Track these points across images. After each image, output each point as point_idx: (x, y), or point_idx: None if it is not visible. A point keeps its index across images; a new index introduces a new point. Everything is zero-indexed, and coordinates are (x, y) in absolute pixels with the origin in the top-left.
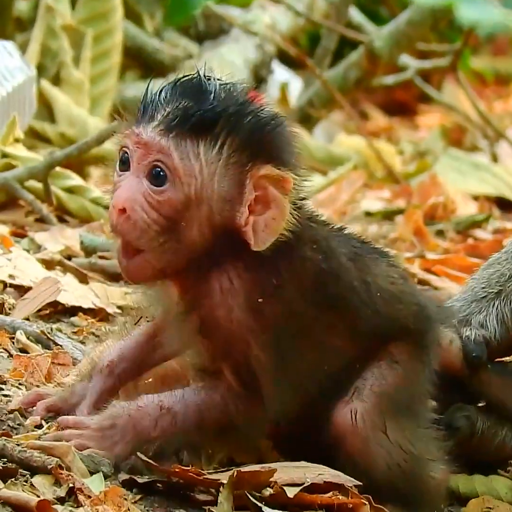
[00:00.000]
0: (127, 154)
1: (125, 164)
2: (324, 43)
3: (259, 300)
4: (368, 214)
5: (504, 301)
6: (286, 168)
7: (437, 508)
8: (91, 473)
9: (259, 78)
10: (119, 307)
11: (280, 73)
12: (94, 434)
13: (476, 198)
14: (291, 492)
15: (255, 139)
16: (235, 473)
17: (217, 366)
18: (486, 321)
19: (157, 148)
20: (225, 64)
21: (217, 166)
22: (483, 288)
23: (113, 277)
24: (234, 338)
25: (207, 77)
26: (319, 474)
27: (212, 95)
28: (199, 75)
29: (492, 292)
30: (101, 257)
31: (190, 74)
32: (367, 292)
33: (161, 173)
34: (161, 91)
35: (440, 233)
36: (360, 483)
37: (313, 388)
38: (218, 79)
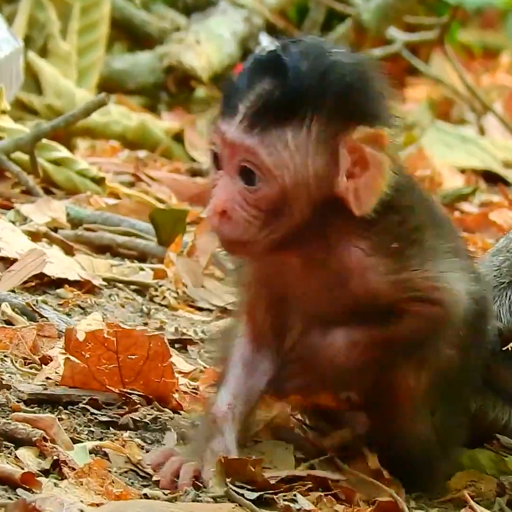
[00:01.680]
0: (216, 152)
1: (216, 163)
2: (312, 15)
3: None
4: None
5: None
6: (378, 123)
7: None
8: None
9: (247, 50)
10: (105, 279)
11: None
12: None
13: (463, 171)
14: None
15: (343, 106)
16: (222, 461)
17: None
18: (499, 311)
19: (243, 148)
20: (213, 36)
21: (308, 147)
22: (495, 277)
23: (99, 249)
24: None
25: (285, 49)
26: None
27: (292, 71)
28: (276, 50)
29: (504, 282)
30: (87, 229)
31: (269, 50)
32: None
33: (252, 172)
34: (240, 76)
35: None
36: (342, 477)
37: None
38: (297, 44)
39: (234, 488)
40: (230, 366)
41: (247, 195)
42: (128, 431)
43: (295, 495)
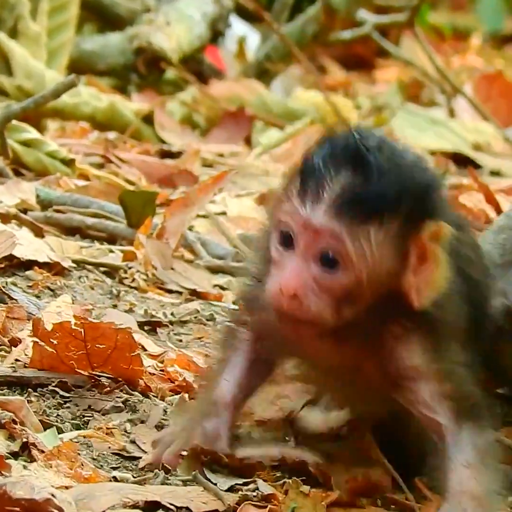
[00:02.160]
0: (291, 233)
1: (288, 243)
2: None
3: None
4: None
5: None
6: (439, 218)
7: None
8: (45, 429)
9: (217, 32)
10: (74, 261)
11: (238, 27)
12: None
13: (432, 153)
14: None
15: (417, 206)
16: (193, 448)
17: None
18: (505, 290)
19: (329, 234)
20: (183, 18)
21: (386, 244)
22: (500, 254)
23: (68, 231)
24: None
25: (362, 143)
26: (280, 452)
27: (376, 169)
28: (356, 142)
29: (509, 259)
30: (57, 211)
31: (345, 138)
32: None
33: (333, 258)
34: (319, 161)
35: None
36: (321, 461)
37: None
38: (375, 142)
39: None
40: (236, 356)
41: (322, 280)
42: (98, 413)
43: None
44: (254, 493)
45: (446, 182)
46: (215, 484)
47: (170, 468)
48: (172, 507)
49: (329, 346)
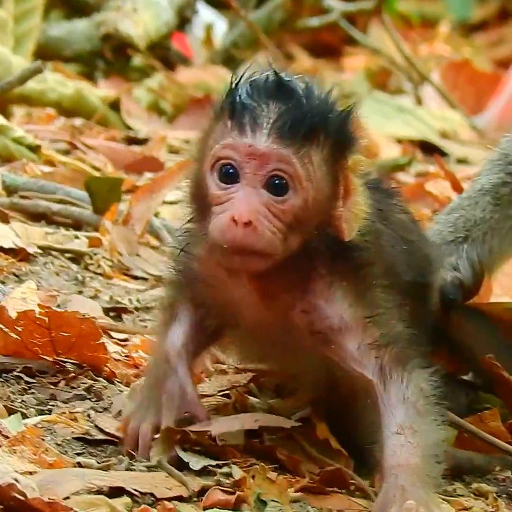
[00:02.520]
0: (234, 166)
1: (231, 177)
2: None
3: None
4: None
5: (471, 245)
6: (358, 151)
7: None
8: (10, 414)
9: (184, 19)
10: (40, 247)
11: (205, 14)
12: None
13: (399, 141)
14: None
15: (343, 134)
16: (166, 430)
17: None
18: (458, 263)
19: (277, 158)
20: (150, 4)
21: (324, 167)
22: (451, 232)
23: (34, 217)
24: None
25: (279, 72)
26: (256, 420)
27: (303, 95)
28: (275, 73)
29: (460, 236)
30: (22, 197)
31: (262, 71)
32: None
33: (283, 182)
34: (244, 96)
35: None
36: (299, 424)
37: None
38: (289, 75)
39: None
40: (181, 312)
41: (274, 205)
42: (63, 399)
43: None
44: (227, 480)
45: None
46: (187, 463)
47: (146, 446)
48: (136, 493)
49: (259, 299)
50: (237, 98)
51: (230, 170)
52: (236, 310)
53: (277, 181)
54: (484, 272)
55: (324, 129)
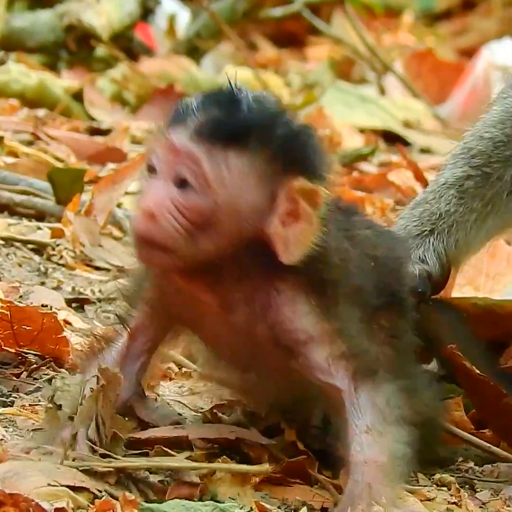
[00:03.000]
0: (156, 159)
1: (153, 170)
2: None
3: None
4: None
5: (438, 238)
6: (317, 181)
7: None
8: None
9: (147, 9)
10: (2, 238)
11: (168, 4)
12: None
13: (362, 130)
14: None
15: (288, 151)
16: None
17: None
18: (425, 256)
19: (187, 155)
20: None
21: (249, 176)
22: (416, 226)
23: None
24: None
25: (239, 89)
26: (232, 431)
27: (244, 106)
28: (231, 86)
29: (426, 230)
30: None
31: (222, 87)
32: (359, 257)
33: (190, 180)
34: (193, 100)
35: None
36: (275, 442)
37: None
38: (250, 91)
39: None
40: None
41: (180, 201)
42: (24, 391)
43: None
44: (190, 471)
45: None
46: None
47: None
48: (99, 493)
49: (219, 310)
50: (187, 102)
51: (152, 163)
52: (197, 319)
53: (185, 178)
54: (450, 265)
55: (259, 141)
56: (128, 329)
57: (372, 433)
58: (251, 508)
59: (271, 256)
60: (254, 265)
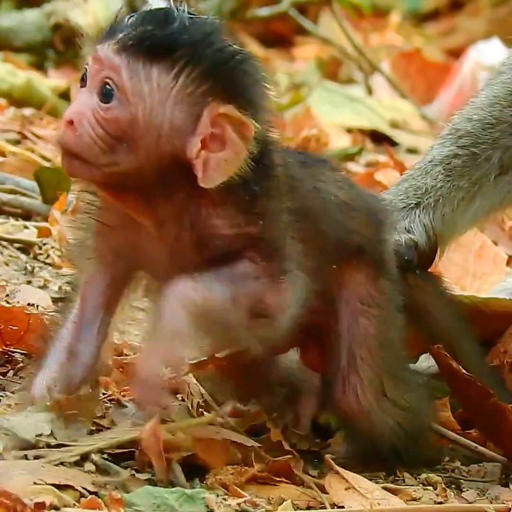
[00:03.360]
0: (86, 70)
1: (83, 81)
2: None
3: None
4: None
5: (423, 211)
6: (249, 113)
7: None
8: None
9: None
10: None
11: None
12: None
13: (349, 130)
14: None
15: (216, 73)
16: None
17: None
18: (411, 226)
19: (109, 65)
20: None
21: (171, 93)
22: (402, 200)
23: None
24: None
25: (179, 9)
26: (217, 432)
27: (177, 23)
28: (169, 6)
29: (411, 203)
30: None
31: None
32: (321, 199)
33: (110, 91)
34: (129, 16)
35: None
36: (259, 445)
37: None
38: (191, 12)
39: None
40: (52, 351)
41: (99, 112)
42: (11, 390)
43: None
44: None
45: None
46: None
47: None
48: (84, 491)
49: (150, 228)
50: (119, 18)
51: (83, 75)
52: (137, 250)
53: (105, 88)
54: (437, 239)
55: (186, 59)
56: (79, 292)
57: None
58: (218, 494)
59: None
60: (180, 183)
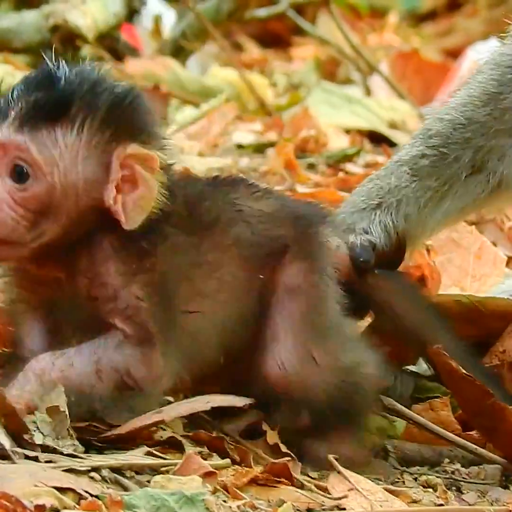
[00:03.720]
0: None
1: None
2: None
3: (134, 264)
4: (239, 146)
5: (385, 211)
6: (151, 145)
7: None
8: None
9: (133, 10)
10: None
11: (154, 4)
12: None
13: (347, 131)
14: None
15: (114, 117)
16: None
17: (109, 322)
18: (370, 227)
19: (14, 146)
20: None
21: (78, 149)
22: (363, 200)
23: None
24: (118, 292)
25: (55, 65)
26: (207, 402)
27: (62, 80)
28: (47, 64)
29: (373, 203)
30: None
31: (39, 67)
32: (236, 212)
33: (23, 170)
34: (13, 89)
35: (311, 167)
36: (251, 401)
37: (221, 338)
38: (68, 64)
39: None
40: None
41: (16, 193)
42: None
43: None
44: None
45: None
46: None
47: None
48: (86, 494)
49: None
50: (5, 94)
51: None
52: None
53: (18, 169)
54: (404, 239)
55: (82, 113)
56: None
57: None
58: (218, 496)
59: (108, 223)
60: (98, 231)
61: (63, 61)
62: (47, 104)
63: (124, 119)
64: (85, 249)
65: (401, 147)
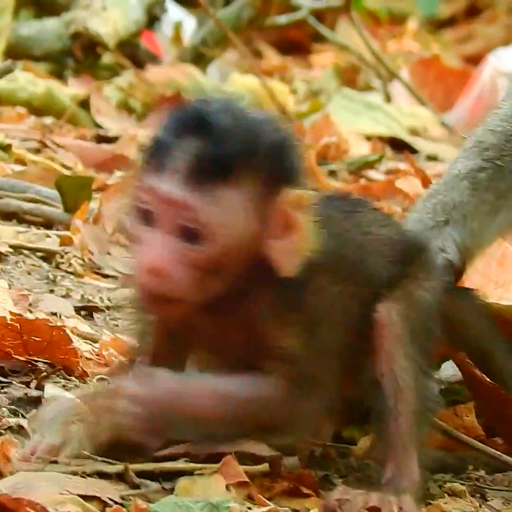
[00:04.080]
0: (149, 209)
1: (147, 219)
2: None
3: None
4: None
5: (453, 228)
6: (301, 186)
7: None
8: None
9: (153, 17)
10: (11, 246)
11: (174, 12)
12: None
13: (369, 138)
14: None
15: (275, 167)
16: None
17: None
18: (444, 246)
19: (184, 206)
20: (119, 3)
21: (244, 205)
22: (431, 217)
23: (5, 216)
24: (275, 342)
25: (204, 108)
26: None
27: (220, 129)
28: (197, 108)
29: (441, 220)
30: None
31: (190, 106)
32: (369, 242)
33: (194, 231)
34: (169, 133)
35: (332, 173)
36: (278, 454)
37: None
38: (221, 104)
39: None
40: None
41: (186, 254)
42: (36, 399)
43: None
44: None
45: (300, 149)
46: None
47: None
48: (111, 502)
49: (208, 325)
50: (157, 135)
51: (145, 212)
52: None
53: (188, 230)
54: (468, 254)
55: (247, 166)
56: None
57: None
58: (243, 504)
59: (264, 273)
60: (251, 281)
61: (210, 100)
62: (212, 161)
63: (283, 167)
64: (240, 299)
65: (455, 160)
